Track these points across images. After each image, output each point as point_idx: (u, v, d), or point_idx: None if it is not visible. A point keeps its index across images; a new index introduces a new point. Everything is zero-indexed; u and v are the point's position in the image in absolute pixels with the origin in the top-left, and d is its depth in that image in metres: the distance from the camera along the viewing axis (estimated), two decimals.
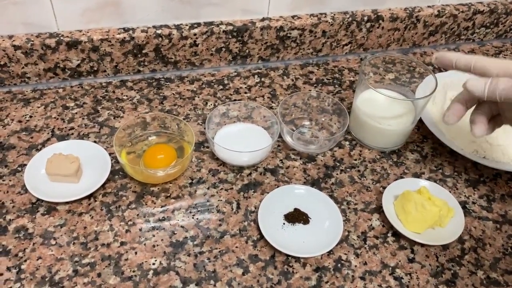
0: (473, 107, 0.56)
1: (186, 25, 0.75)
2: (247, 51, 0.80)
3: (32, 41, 0.68)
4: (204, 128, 0.69)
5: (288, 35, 0.80)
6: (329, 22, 0.80)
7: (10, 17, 0.67)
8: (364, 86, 0.66)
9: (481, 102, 0.55)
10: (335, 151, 0.68)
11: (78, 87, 0.74)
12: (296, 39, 0.81)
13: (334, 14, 0.81)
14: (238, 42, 0.78)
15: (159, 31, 0.73)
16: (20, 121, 0.67)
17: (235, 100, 0.75)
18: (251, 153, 0.62)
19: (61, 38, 0.69)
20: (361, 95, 0.68)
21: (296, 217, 0.57)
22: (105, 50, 0.72)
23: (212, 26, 0.75)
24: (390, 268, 0.54)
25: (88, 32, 0.71)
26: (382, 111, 0.66)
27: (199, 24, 0.75)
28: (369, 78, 0.74)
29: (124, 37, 0.71)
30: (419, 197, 0.57)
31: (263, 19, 0.78)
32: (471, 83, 0.50)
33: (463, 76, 0.76)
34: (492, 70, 0.50)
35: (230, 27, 0.76)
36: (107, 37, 0.71)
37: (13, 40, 0.68)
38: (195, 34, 0.75)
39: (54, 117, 0.69)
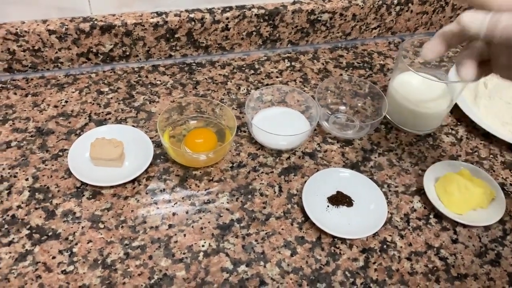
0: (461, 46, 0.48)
1: (218, 8, 0.74)
2: (277, 35, 0.80)
3: (67, 25, 0.68)
4: (240, 113, 0.69)
5: (319, 18, 0.79)
6: (360, 5, 0.80)
7: (44, 2, 0.67)
8: (401, 69, 0.66)
9: (471, 41, 0.46)
10: (371, 134, 0.68)
11: (111, 72, 0.74)
12: (326, 23, 0.81)
13: None
14: (269, 26, 0.78)
15: (192, 15, 0.72)
16: (56, 106, 0.67)
17: (267, 84, 0.75)
18: (291, 137, 0.62)
19: (95, 22, 0.69)
20: (397, 78, 0.68)
21: (340, 199, 0.58)
22: (138, 34, 0.72)
23: (244, 10, 0.75)
24: (435, 249, 0.55)
25: (121, 16, 0.70)
26: (419, 94, 0.66)
27: (231, 8, 0.75)
28: (401, 62, 0.74)
29: (158, 21, 0.71)
30: (462, 179, 0.58)
31: (294, 2, 0.77)
32: (468, 17, 0.41)
33: None
34: (494, 2, 0.42)
35: (262, 11, 0.75)
36: (140, 21, 0.70)
37: (48, 25, 0.67)
38: (227, 18, 0.74)
39: (90, 102, 0.68)
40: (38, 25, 0.67)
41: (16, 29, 0.66)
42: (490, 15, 0.41)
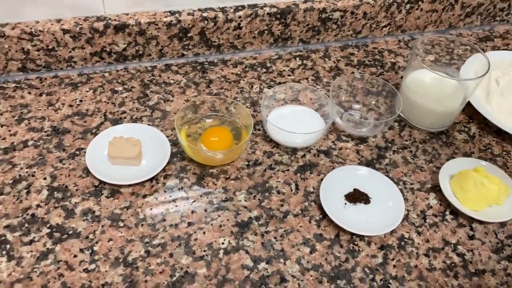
0: None
1: (231, 7, 0.75)
2: (288, 33, 0.80)
3: (81, 24, 0.68)
4: (254, 111, 0.70)
5: (330, 16, 0.80)
6: (371, 4, 0.80)
7: (57, 1, 0.67)
8: (414, 67, 0.67)
9: None
10: (385, 132, 0.69)
11: (124, 71, 0.74)
12: (338, 21, 0.81)
13: None
14: (281, 24, 0.78)
15: (205, 14, 0.72)
16: (71, 106, 0.67)
17: (279, 83, 0.75)
18: (307, 135, 0.62)
19: (109, 21, 0.69)
20: (410, 76, 0.68)
21: (357, 197, 0.58)
22: (151, 33, 0.72)
23: (256, 9, 0.75)
24: (452, 245, 0.55)
25: (135, 15, 0.70)
26: (432, 91, 0.67)
27: (243, 7, 0.75)
28: (414, 60, 0.74)
29: (171, 20, 0.71)
30: (478, 175, 0.58)
31: (306, 1, 0.78)
32: None
33: (507, 57, 0.77)
34: None
35: (274, 9, 0.76)
36: (154, 20, 0.70)
37: (62, 24, 0.67)
38: (239, 17, 0.74)
39: (105, 101, 0.69)
40: (52, 24, 0.67)
41: (31, 28, 0.66)
42: None
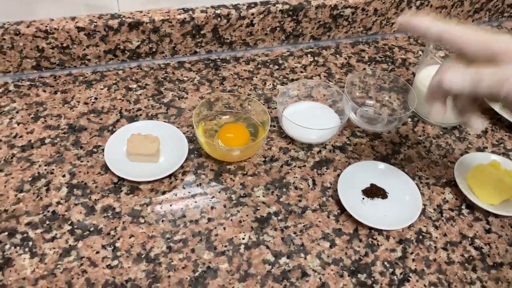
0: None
1: (244, 4, 0.75)
2: (300, 30, 0.80)
3: (95, 22, 0.68)
4: (268, 107, 0.70)
5: (341, 13, 0.80)
6: (382, 0, 0.80)
7: None
8: (427, 62, 0.67)
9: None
10: (399, 127, 0.69)
11: (137, 69, 0.74)
12: (349, 18, 0.81)
13: None
14: (293, 21, 0.78)
15: (218, 11, 0.72)
16: (86, 103, 0.68)
17: (292, 79, 0.76)
18: (323, 131, 0.62)
19: (123, 19, 0.69)
20: (423, 72, 0.69)
21: (374, 192, 0.58)
22: (165, 31, 0.72)
23: (269, 5, 0.75)
24: (469, 239, 0.56)
25: (148, 13, 0.71)
26: None
27: (256, 4, 0.75)
28: (427, 56, 0.75)
29: (185, 18, 0.71)
30: (494, 170, 0.59)
31: None
32: (450, 76, 0.40)
33: None
34: (469, 47, 0.40)
35: (286, 6, 0.76)
36: (168, 17, 0.71)
37: (77, 22, 0.68)
38: (252, 14, 0.75)
39: (120, 99, 0.69)
40: (67, 22, 0.67)
41: (46, 26, 0.66)
42: (471, 74, 0.39)
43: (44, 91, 0.69)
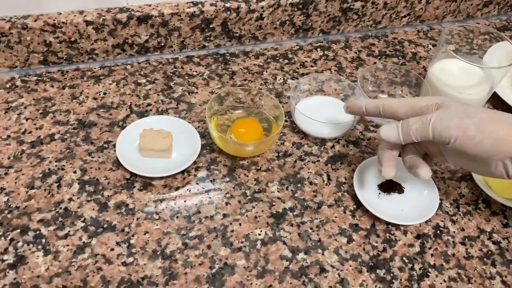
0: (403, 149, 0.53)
1: None
2: (310, 24, 0.79)
3: (104, 16, 0.67)
4: (280, 102, 0.69)
5: (351, 7, 0.79)
6: None
7: None
8: (440, 56, 0.66)
9: (405, 145, 0.52)
10: None
11: (146, 63, 0.73)
12: (358, 11, 0.80)
13: None
14: (303, 14, 0.77)
15: (228, 5, 0.71)
16: (95, 98, 0.67)
17: (303, 74, 0.75)
18: (337, 125, 0.62)
19: (132, 12, 0.68)
20: (436, 65, 0.68)
21: (390, 187, 0.58)
22: (174, 24, 0.71)
23: None
24: (487, 233, 0.55)
25: (157, 6, 0.69)
26: (460, 80, 0.66)
27: None
28: (441, 49, 0.74)
29: (194, 11, 0.70)
30: None
31: None
32: (383, 132, 0.49)
33: None
34: (400, 110, 0.49)
35: (296, 0, 0.75)
36: (177, 11, 0.69)
37: (85, 16, 0.66)
38: (262, 7, 0.73)
39: (129, 94, 0.68)
40: (75, 16, 0.66)
41: (54, 20, 0.65)
42: (400, 124, 0.48)
43: (52, 86, 0.68)
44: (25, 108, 0.64)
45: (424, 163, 0.50)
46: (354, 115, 0.57)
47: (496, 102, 0.73)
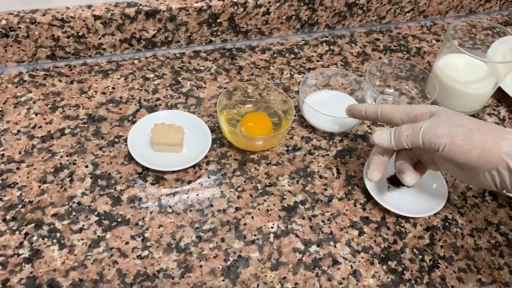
0: (394, 156, 0.54)
1: None
2: (315, 18, 0.80)
3: (112, 10, 0.67)
4: (286, 97, 0.69)
5: (357, 2, 0.79)
6: None
7: None
8: (445, 51, 0.67)
9: (398, 151, 0.53)
10: None
11: (153, 58, 0.73)
12: (363, 6, 0.81)
13: None
14: (309, 9, 0.78)
15: None
16: (104, 93, 0.67)
17: (309, 68, 0.75)
18: (346, 120, 0.62)
19: (140, 7, 0.68)
20: (442, 60, 0.69)
21: (399, 180, 0.58)
22: (181, 19, 0.71)
23: None
24: (495, 225, 0.56)
25: (165, 1, 0.69)
26: (466, 75, 0.67)
27: None
28: (446, 44, 0.75)
29: (202, 6, 0.70)
30: None
31: None
32: (376, 136, 0.51)
33: None
34: (396, 116, 0.51)
35: None
36: (185, 5, 0.69)
37: (93, 10, 0.66)
38: (269, 2, 0.74)
39: (137, 89, 0.68)
40: (83, 10, 0.66)
41: (62, 14, 0.65)
42: (393, 130, 0.50)
43: (60, 81, 0.68)
44: (34, 103, 0.64)
45: (411, 170, 0.51)
46: (354, 118, 0.58)
47: (499, 96, 0.74)
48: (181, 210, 0.54)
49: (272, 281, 0.49)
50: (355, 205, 0.57)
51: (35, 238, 0.50)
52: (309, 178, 0.59)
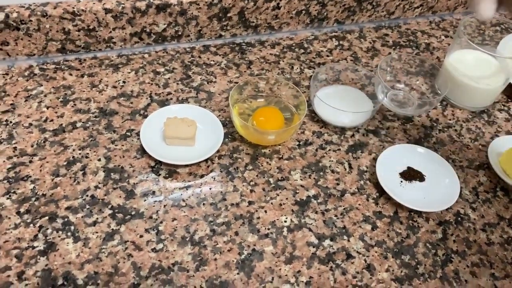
0: None
1: None
2: (325, 13, 0.80)
3: (123, 4, 0.67)
4: (297, 91, 0.69)
5: None
6: None
7: None
8: (456, 47, 0.67)
9: None
10: (429, 111, 0.69)
11: (163, 52, 0.73)
12: (373, 1, 0.81)
13: None
14: (319, 4, 0.77)
15: None
16: (115, 87, 0.66)
17: (319, 63, 0.75)
18: (357, 114, 0.62)
19: (151, 1, 0.68)
20: (453, 55, 0.69)
21: (412, 175, 0.59)
22: (192, 13, 0.71)
23: None
24: (507, 220, 0.57)
25: None
26: (477, 71, 0.67)
27: None
28: (458, 40, 0.75)
29: (212, 0, 0.70)
30: None
31: None
32: None
33: None
34: None
35: None
36: (195, 0, 0.69)
37: (104, 3, 0.66)
38: None
39: (148, 83, 0.68)
40: (94, 3, 0.66)
41: (73, 7, 0.64)
42: None
43: (71, 74, 0.68)
44: (45, 96, 0.64)
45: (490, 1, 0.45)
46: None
47: (509, 92, 0.74)
48: (195, 204, 0.54)
49: (286, 275, 0.49)
50: (367, 200, 0.57)
51: (49, 231, 0.50)
52: (321, 173, 0.59)
